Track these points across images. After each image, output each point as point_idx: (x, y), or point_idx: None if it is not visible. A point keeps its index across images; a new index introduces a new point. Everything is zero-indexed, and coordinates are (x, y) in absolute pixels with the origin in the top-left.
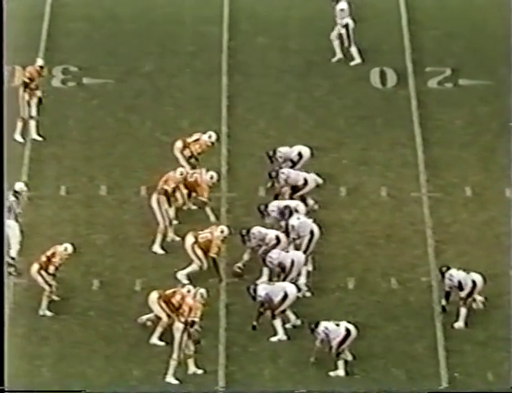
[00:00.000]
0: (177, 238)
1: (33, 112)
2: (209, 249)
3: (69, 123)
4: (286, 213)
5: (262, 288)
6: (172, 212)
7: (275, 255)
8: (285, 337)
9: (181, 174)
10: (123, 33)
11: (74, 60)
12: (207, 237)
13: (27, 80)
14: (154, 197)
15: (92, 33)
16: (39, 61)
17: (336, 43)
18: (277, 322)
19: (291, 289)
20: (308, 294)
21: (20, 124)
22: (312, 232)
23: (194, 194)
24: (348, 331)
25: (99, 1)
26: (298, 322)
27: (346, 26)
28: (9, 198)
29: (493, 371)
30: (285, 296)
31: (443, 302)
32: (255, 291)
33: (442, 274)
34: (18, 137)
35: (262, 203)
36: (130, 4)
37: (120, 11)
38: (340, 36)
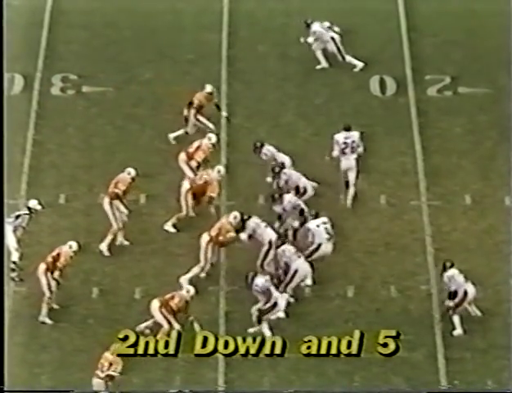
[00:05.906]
0: (126, 242)
1: None
2: (221, 235)
3: (69, 131)
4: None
5: (261, 278)
6: (124, 215)
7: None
8: (269, 333)
9: (129, 174)
10: (123, 41)
11: (73, 69)
12: (218, 226)
13: None
14: (106, 201)
15: (91, 41)
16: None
17: (319, 53)
18: (264, 325)
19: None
20: (291, 300)
21: None
22: (319, 245)
23: (206, 195)
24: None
25: (98, 9)
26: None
27: (333, 40)
28: (22, 215)
29: (493, 379)
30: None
31: (447, 302)
32: (253, 279)
33: (444, 267)
34: None
35: (278, 192)
36: (129, 12)
37: (119, 19)
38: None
